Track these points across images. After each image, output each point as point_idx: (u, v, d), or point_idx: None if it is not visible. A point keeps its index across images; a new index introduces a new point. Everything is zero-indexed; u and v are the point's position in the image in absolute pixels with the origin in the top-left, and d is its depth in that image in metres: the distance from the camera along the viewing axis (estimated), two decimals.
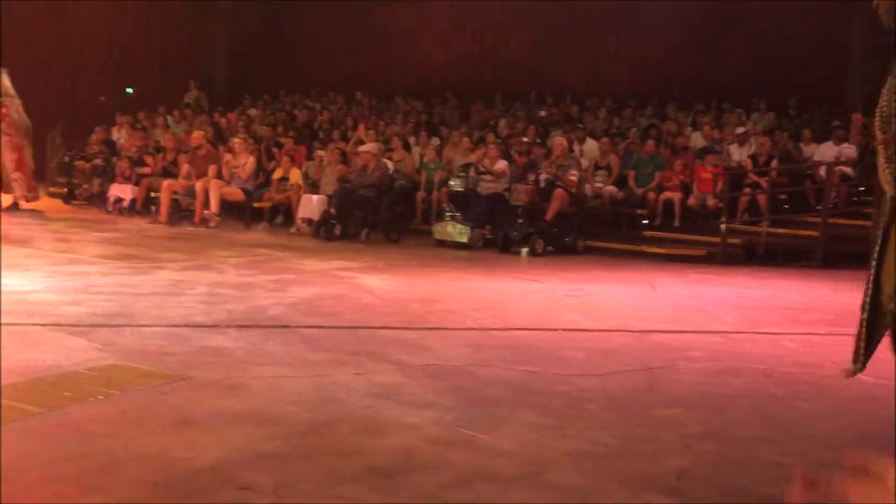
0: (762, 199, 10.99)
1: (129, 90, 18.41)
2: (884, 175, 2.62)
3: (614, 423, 3.67)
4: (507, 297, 7.03)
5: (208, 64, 19.67)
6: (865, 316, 2.67)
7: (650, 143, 12.00)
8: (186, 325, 5.26)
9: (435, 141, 13.49)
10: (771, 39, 15.02)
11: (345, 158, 12.25)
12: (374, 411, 3.70)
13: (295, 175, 12.25)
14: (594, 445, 3.37)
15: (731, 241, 10.44)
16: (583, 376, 4.42)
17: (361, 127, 14.11)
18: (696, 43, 15.96)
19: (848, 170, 11.26)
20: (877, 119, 2.62)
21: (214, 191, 11.66)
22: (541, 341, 5.33)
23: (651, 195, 11.43)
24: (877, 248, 2.66)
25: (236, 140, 12.47)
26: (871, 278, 2.64)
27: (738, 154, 11.99)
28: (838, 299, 7.41)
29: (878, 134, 2.64)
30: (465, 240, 10.66)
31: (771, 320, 6.38)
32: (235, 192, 11.93)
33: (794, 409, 4.02)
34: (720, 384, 4.42)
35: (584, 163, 11.87)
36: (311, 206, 11.64)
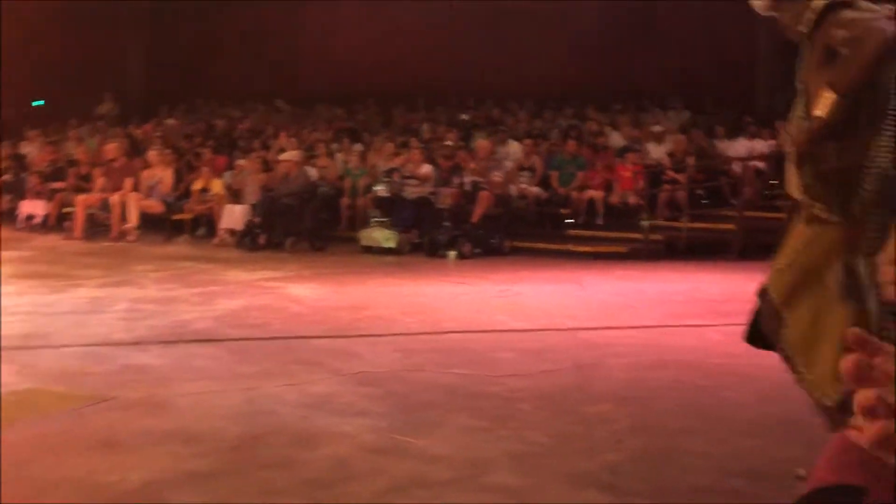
0: (681, 195, 11.28)
1: (39, 102, 17.76)
2: (790, 181, 2.72)
3: (547, 421, 3.70)
4: (436, 301, 7.03)
5: (122, 73, 19.13)
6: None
7: (571, 143, 12.19)
8: (107, 344, 5.09)
9: (358, 147, 13.43)
10: (683, 39, 15.44)
11: (267, 167, 12.08)
12: (307, 422, 3.64)
13: (216, 185, 12.02)
14: (528, 445, 3.39)
15: (653, 237, 10.68)
16: (514, 377, 4.45)
17: (283, 135, 13.94)
18: (613, 44, 16.30)
19: (761, 164, 11.67)
20: (788, 129, 2.73)
21: (132, 204, 11.35)
22: (471, 343, 5.34)
23: (574, 194, 11.61)
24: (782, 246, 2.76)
25: (153, 152, 12.16)
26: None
27: (657, 152, 12.29)
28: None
29: (788, 146, 2.75)
30: (392, 245, 10.63)
31: (694, 313, 6.55)
32: (154, 205, 11.63)
33: (720, 399, 4.12)
34: (648, 378, 4.51)
35: (508, 164, 11.98)
36: (233, 216, 11.43)
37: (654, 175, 11.34)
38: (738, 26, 15.01)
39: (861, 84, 2.47)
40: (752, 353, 4.78)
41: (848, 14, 2.43)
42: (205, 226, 12.22)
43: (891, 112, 2.51)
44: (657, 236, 10.80)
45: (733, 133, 12.75)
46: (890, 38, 2.40)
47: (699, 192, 11.67)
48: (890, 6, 2.47)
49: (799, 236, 2.64)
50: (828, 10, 2.47)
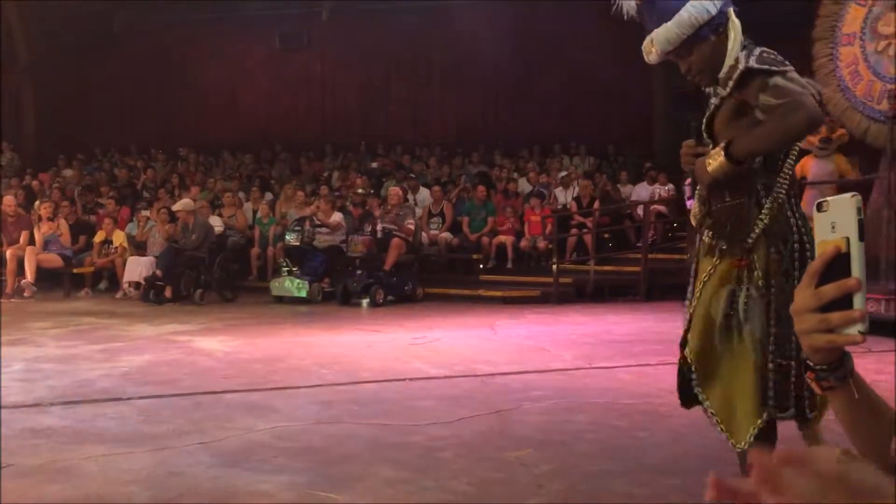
0: (588, 238, 11.57)
1: None
2: (693, 212, 2.80)
3: (469, 469, 3.68)
4: (351, 350, 6.95)
5: (16, 122, 18.40)
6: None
7: (481, 189, 12.38)
8: (4, 407, 4.81)
9: (268, 196, 13.29)
10: (585, 87, 15.97)
11: (172, 217, 11.80)
12: (223, 482, 3.51)
13: (118, 237, 11.66)
14: (451, 494, 3.35)
15: (563, 280, 10.88)
16: (434, 425, 4.42)
17: (195, 189, 13.66)
18: (517, 91, 16.74)
19: (662, 208, 12.10)
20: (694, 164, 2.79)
21: (29, 258, 10.86)
22: (389, 392, 5.29)
23: (485, 240, 11.76)
24: (691, 282, 2.81)
25: (42, 205, 11.68)
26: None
27: (564, 197, 12.60)
28: (663, 329, 7.87)
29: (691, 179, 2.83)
30: (303, 294, 10.49)
31: (605, 354, 6.67)
32: (52, 259, 11.17)
33: (636, 439, 4.19)
34: (565, 421, 4.55)
35: (419, 211, 12.06)
36: (137, 268, 11.09)
37: (561, 220, 11.61)
38: (636, 75, 15.67)
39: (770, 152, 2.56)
40: (662, 393, 4.91)
41: (780, 81, 2.46)
42: (107, 279, 11.81)
43: (784, 156, 2.61)
44: (566, 279, 11.01)
45: (635, 178, 13.21)
46: (817, 116, 2.49)
47: (605, 235, 12.00)
48: (816, 83, 2.58)
49: (703, 271, 2.70)
50: (758, 73, 2.51)
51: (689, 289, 2.76)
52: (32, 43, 17.86)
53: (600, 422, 4.52)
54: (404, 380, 5.67)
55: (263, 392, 5.27)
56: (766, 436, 2.53)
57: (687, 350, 2.68)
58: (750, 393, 2.50)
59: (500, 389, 5.36)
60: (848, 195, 1.13)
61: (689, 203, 2.92)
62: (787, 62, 2.54)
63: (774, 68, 2.49)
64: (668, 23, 2.59)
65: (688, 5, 2.58)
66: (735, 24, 2.63)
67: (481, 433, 4.28)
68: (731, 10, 2.65)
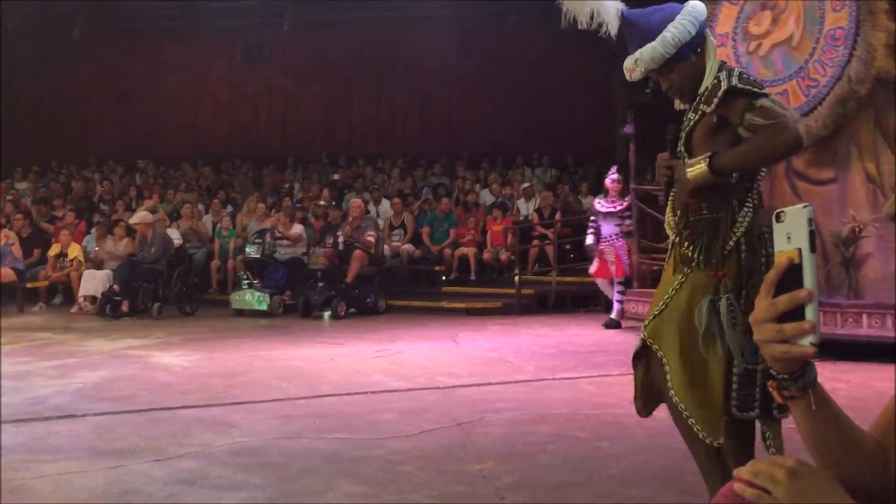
0: (549, 249, 11.62)
1: None
2: (668, 221, 2.87)
3: (431, 482, 3.65)
4: (312, 364, 6.88)
5: None
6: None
7: (444, 200, 12.38)
8: None
9: (229, 208, 13.16)
10: (546, 99, 16.10)
11: (129, 230, 11.62)
12: (179, 499, 3.44)
13: (74, 250, 11.44)
14: None
15: (525, 291, 10.92)
16: (396, 438, 4.38)
17: (156, 197, 13.48)
18: (479, 103, 16.81)
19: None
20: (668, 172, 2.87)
21: None
22: (350, 406, 5.24)
23: (447, 251, 11.76)
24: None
25: None
26: None
27: (526, 208, 12.65)
28: (625, 339, 7.93)
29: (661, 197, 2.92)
30: (264, 307, 10.39)
31: (567, 365, 6.69)
32: (5, 273, 10.92)
33: (598, 450, 4.20)
34: (528, 432, 4.54)
35: (381, 223, 12.02)
36: (94, 282, 10.89)
37: (523, 231, 11.65)
38: (596, 86, 15.84)
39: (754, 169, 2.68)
40: (624, 403, 4.93)
41: (766, 103, 2.58)
42: (62, 294, 11.58)
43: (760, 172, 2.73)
44: (529, 291, 11.05)
45: (596, 190, 13.30)
46: (801, 139, 2.61)
47: (567, 246, 12.06)
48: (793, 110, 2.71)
49: (670, 280, 2.76)
50: (742, 93, 2.61)
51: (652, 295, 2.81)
52: None
53: (562, 433, 4.52)
54: (366, 393, 5.63)
55: (222, 407, 5.19)
56: (739, 433, 2.63)
57: (646, 333, 2.74)
58: (719, 392, 2.59)
59: (463, 401, 5.34)
60: (800, 206, 1.14)
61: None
62: (764, 85, 2.68)
63: (758, 90, 2.61)
64: (653, 42, 2.72)
65: (670, 26, 2.72)
66: (711, 44, 2.80)
67: (443, 446, 4.26)
68: (707, 31, 2.80)
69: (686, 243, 2.74)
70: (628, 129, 9.74)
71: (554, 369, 6.48)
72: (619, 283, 9.26)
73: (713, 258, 2.66)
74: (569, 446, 4.26)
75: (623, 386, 5.47)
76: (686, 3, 2.79)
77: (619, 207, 9.35)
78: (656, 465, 3.87)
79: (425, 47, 15.98)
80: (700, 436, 2.60)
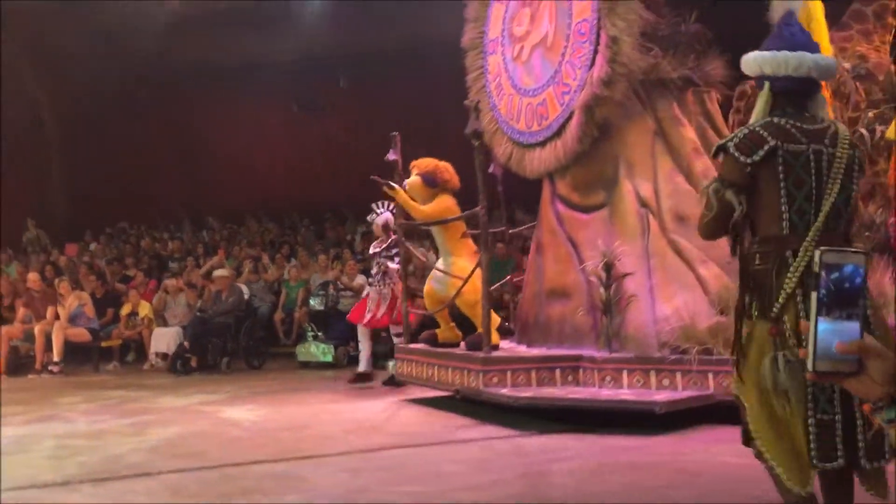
0: None
1: None
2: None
3: None
4: (377, 415, 6.91)
5: (44, 200, 18.81)
6: None
7: (500, 245, 12.35)
8: (34, 486, 4.82)
9: (292, 261, 13.42)
10: None
11: (196, 287, 11.93)
12: None
13: (144, 308, 11.77)
14: None
15: None
16: (464, 490, 4.37)
17: (222, 252, 13.82)
18: None
19: None
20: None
21: (56, 334, 10.97)
22: (417, 457, 5.25)
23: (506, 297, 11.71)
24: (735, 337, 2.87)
25: (61, 283, 11.78)
26: None
27: None
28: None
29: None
30: (329, 359, 10.49)
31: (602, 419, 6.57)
32: (80, 333, 11.26)
33: (668, 497, 4.12)
34: (597, 482, 4.47)
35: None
36: (164, 339, 11.17)
37: None
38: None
39: None
40: (697, 449, 4.84)
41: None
42: (134, 351, 11.90)
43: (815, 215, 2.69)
44: None
45: None
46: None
47: None
48: None
49: (743, 332, 2.74)
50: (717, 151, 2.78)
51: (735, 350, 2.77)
52: (60, 118, 18.40)
53: (631, 482, 4.45)
54: (431, 444, 5.63)
55: (291, 461, 5.24)
56: (833, 484, 2.61)
57: (733, 387, 2.76)
58: (802, 442, 2.57)
59: (528, 451, 5.30)
60: (820, 248, 1.22)
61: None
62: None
63: (721, 149, 2.77)
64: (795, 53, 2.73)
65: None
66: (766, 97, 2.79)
67: (510, 496, 4.23)
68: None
69: (745, 296, 2.70)
70: (392, 155, 8.37)
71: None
72: (384, 332, 8.95)
73: (768, 312, 2.62)
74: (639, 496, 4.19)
75: (692, 434, 5.38)
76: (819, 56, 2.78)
77: (376, 249, 8.77)
78: None
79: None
80: (788, 485, 2.55)
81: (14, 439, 6.29)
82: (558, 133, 6.66)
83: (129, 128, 18.59)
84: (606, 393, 5.91)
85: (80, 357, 11.35)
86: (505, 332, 7.54)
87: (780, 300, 2.59)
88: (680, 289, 6.06)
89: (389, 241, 8.58)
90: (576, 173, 6.75)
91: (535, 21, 6.93)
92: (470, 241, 7.35)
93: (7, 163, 17.84)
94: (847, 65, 6.79)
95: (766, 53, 2.73)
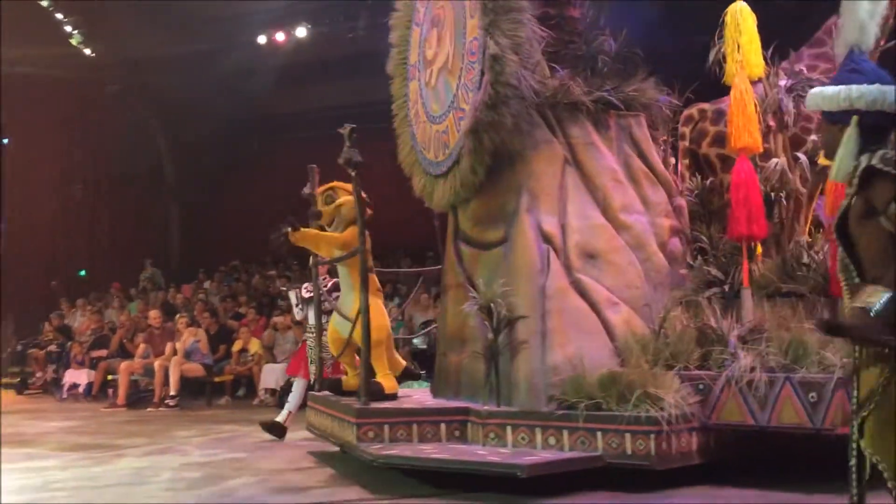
0: None
1: (82, 273, 18.35)
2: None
3: None
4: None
5: (162, 241, 19.80)
6: None
7: None
8: None
9: (395, 300, 13.61)
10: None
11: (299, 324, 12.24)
12: None
13: (254, 345, 12.16)
14: None
15: None
16: None
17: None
18: None
19: None
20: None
21: (174, 369, 11.47)
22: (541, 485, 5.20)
23: None
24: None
25: (180, 319, 12.32)
26: None
27: None
28: None
29: None
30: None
31: None
32: (195, 368, 11.74)
33: None
34: None
35: None
36: (273, 375, 11.49)
37: None
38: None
39: None
40: None
41: None
42: (244, 386, 12.28)
43: None
44: None
45: None
46: None
47: None
48: None
49: (869, 373, 2.58)
50: (882, 175, 2.46)
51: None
52: (179, 167, 19.42)
53: None
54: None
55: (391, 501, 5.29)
56: None
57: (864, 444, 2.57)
58: None
59: None
60: None
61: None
62: None
63: None
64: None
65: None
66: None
67: None
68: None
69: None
70: (308, 189, 8.23)
71: None
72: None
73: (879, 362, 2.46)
74: None
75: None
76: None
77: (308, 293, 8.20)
78: None
79: None
80: None
81: (134, 471, 6.60)
82: (458, 161, 6.08)
83: (244, 175, 19.40)
84: (481, 452, 5.27)
85: (195, 391, 11.80)
86: (409, 377, 7.14)
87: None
88: (578, 334, 5.45)
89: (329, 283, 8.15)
90: (476, 206, 6.18)
91: (441, 42, 6.49)
92: (374, 277, 6.80)
93: (129, 208, 18.92)
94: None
95: (860, 88, 2.58)
